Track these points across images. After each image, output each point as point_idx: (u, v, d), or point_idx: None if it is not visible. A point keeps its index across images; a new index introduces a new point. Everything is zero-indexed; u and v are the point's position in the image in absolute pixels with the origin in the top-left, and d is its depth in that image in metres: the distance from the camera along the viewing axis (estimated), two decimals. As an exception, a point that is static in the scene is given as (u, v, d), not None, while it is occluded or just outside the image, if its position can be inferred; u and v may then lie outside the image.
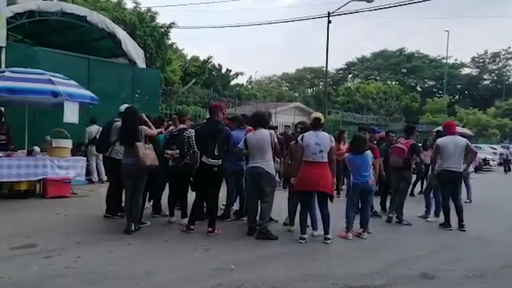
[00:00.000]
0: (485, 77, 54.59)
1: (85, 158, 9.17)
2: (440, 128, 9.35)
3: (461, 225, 6.84)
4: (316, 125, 5.73)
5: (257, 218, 5.87)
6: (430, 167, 7.82)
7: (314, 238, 5.76)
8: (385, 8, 19.35)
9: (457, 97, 52.68)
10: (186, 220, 6.08)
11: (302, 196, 5.78)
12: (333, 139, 5.76)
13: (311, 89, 58.83)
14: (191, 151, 5.97)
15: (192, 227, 5.81)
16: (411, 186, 7.31)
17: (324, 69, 22.35)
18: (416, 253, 5.44)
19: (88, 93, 8.73)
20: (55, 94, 7.76)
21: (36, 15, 10.81)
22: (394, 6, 17.35)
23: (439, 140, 6.97)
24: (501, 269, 4.96)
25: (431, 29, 79.56)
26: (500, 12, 72.48)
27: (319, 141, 5.57)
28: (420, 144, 8.31)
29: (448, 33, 42.91)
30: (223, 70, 31.82)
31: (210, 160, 5.61)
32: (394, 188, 7.37)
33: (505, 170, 21.60)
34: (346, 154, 6.20)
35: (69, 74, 8.90)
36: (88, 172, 9.87)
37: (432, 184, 7.63)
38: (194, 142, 5.93)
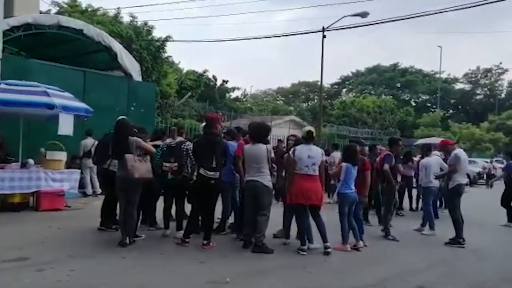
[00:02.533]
0: (477, 91, 55.19)
1: (79, 171, 9.11)
2: (423, 141, 8.97)
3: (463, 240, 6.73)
4: (308, 138, 5.79)
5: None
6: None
7: (310, 250, 5.72)
8: (379, 23, 19.60)
9: (451, 111, 53.12)
10: (181, 233, 6.03)
11: (296, 209, 5.79)
12: (323, 153, 5.82)
13: (306, 103, 59.09)
14: (191, 164, 5.96)
15: (187, 240, 5.76)
16: (394, 198, 7.22)
17: (319, 83, 22.48)
18: (413, 266, 5.41)
19: (83, 105, 8.73)
20: (50, 106, 7.74)
21: (33, 28, 10.85)
22: (387, 21, 17.52)
23: (461, 153, 6.91)
24: (498, 283, 4.96)
25: (424, 44, 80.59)
26: (491, 28, 73.63)
27: (312, 154, 5.64)
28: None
29: (441, 49, 43.40)
30: (219, 83, 31.92)
31: (208, 172, 5.60)
32: (382, 201, 7.38)
33: (487, 185, 19.25)
34: (343, 163, 6.15)
35: (65, 86, 8.91)
36: (82, 185, 9.80)
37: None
38: (192, 154, 5.97)
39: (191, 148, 6.04)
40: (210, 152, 5.64)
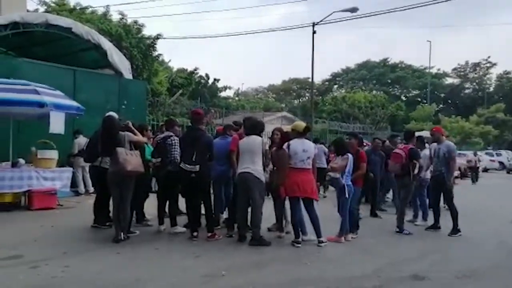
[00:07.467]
0: (466, 85, 55.68)
1: (71, 169, 9.04)
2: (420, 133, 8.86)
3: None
4: (304, 133, 5.83)
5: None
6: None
7: (305, 242, 5.75)
8: (368, 16, 19.72)
9: (440, 105, 53.53)
10: (176, 229, 6.13)
11: (291, 202, 5.79)
12: (315, 146, 5.96)
13: (298, 100, 59.10)
14: (172, 158, 5.99)
15: (195, 233, 5.83)
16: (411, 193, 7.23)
17: (310, 80, 22.56)
18: (406, 256, 5.49)
19: (74, 103, 8.65)
20: (41, 104, 7.66)
21: (21, 26, 10.67)
22: (375, 15, 17.67)
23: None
24: (489, 269, 5.03)
25: (414, 39, 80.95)
26: (479, 22, 74.28)
27: (306, 148, 5.69)
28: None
29: (430, 43, 43.74)
30: (211, 81, 31.77)
31: (187, 166, 5.69)
32: (397, 195, 7.41)
33: (472, 180, 18.35)
34: (349, 155, 6.00)
35: (55, 85, 8.80)
36: (75, 184, 9.72)
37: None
38: (174, 148, 5.99)
39: (176, 143, 6.04)
40: (191, 146, 5.74)
